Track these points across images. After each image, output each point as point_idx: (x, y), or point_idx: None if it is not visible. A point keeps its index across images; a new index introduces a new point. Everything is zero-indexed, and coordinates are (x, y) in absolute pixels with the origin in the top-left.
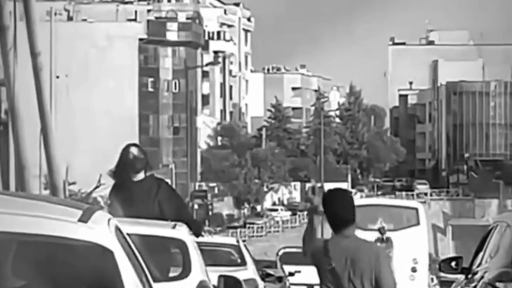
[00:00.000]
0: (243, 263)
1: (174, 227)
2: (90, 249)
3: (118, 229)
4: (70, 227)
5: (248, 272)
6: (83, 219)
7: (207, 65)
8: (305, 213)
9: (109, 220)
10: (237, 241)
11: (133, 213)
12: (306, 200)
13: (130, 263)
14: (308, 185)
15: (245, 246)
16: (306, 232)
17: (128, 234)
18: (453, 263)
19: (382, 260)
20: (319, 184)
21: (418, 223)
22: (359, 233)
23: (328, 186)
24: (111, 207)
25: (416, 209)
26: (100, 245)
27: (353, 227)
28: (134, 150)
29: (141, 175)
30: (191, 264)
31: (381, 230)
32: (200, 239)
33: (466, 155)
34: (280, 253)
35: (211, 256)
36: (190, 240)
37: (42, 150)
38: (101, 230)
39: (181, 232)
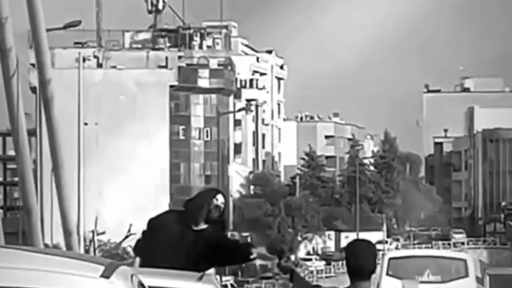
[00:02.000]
0: None
1: (200, 278)
2: None
3: (140, 284)
4: (92, 283)
5: None
6: (105, 274)
7: (239, 110)
8: (340, 263)
9: (132, 275)
10: None
11: (169, 260)
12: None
13: None
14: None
15: None
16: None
17: None
18: None
19: None
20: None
21: (466, 275)
22: None
23: (362, 235)
24: (146, 243)
25: (465, 261)
26: None
27: (370, 280)
28: (220, 198)
29: (204, 225)
30: None
31: None
32: None
33: (503, 203)
34: None
35: None
36: None
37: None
38: (123, 286)
39: (208, 284)
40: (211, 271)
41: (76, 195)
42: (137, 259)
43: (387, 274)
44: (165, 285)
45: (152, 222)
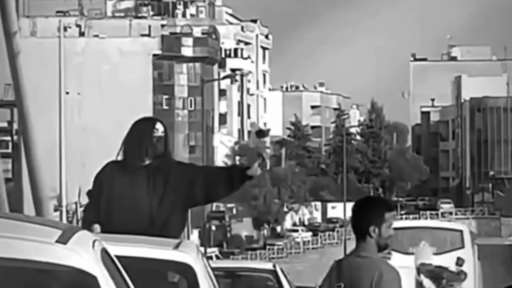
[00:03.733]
0: None
1: (177, 246)
2: (70, 274)
3: (104, 252)
4: (46, 249)
5: None
6: (62, 240)
7: (224, 78)
8: (327, 233)
9: (94, 241)
10: (274, 266)
11: (125, 210)
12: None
13: None
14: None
15: (282, 271)
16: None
17: (117, 257)
18: None
19: (384, 284)
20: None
21: (462, 246)
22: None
23: (349, 206)
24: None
25: (461, 231)
26: (82, 270)
27: (372, 241)
28: (160, 127)
29: (149, 159)
30: None
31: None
32: (234, 264)
33: (491, 173)
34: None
35: (246, 282)
36: (198, 265)
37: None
38: (83, 253)
39: (186, 253)
40: (194, 238)
41: (57, 163)
42: (97, 226)
43: None
44: (134, 254)
45: (96, 181)
